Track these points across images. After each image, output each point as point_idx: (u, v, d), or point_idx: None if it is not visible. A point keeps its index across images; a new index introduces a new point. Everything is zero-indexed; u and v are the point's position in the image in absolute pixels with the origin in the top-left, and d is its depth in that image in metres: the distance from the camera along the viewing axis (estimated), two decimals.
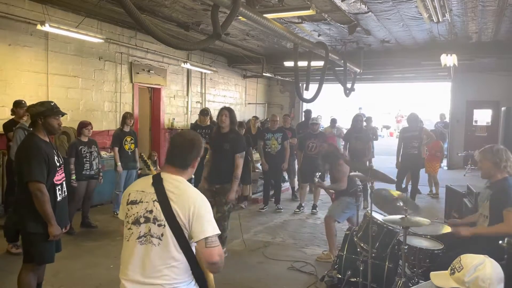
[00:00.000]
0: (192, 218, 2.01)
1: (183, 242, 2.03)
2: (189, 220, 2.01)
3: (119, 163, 6.66)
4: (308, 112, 10.18)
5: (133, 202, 2.14)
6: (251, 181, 8.27)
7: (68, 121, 7.36)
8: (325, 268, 4.58)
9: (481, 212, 3.55)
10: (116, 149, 6.68)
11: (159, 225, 2.04)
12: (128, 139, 6.83)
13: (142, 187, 2.17)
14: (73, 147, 5.94)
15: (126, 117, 6.89)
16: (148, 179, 2.17)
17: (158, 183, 2.11)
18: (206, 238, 1.98)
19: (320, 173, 5.81)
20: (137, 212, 2.11)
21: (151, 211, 2.07)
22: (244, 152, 5.13)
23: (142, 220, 2.08)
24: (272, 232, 6.23)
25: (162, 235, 2.03)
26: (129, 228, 2.12)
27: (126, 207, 2.17)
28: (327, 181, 5.99)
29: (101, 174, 6.26)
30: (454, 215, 5.04)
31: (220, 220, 4.75)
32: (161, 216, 2.03)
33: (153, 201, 2.08)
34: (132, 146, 6.88)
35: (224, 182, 4.88)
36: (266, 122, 11.00)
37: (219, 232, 2.05)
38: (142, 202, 2.12)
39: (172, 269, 2.02)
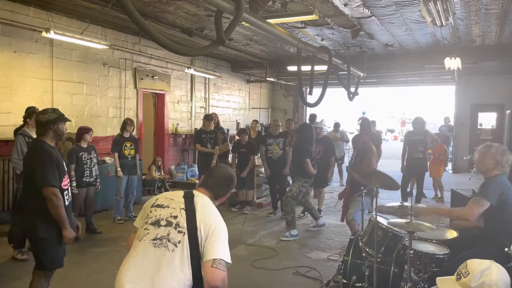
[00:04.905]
0: (210, 234, 2.04)
1: (196, 256, 2.03)
2: (208, 234, 2.04)
3: (119, 169, 6.67)
4: (312, 116, 10.17)
5: (159, 206, 2.20)
6: (253, 186, 8.25)
7: (73, 127, 7.39)
8: (330, 273, 4.57)
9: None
10: (116, 154, 6.69)
11: (179, 232, 2.05)
12: (128, 144, 6.84)
13: (172, 196, 2.24)
14: (74, 153, 5.92)
15: (126, 123, 6.91)
16: (180, 192, 2.25)
17: (189, 196, 2.19)
18: (214, 259, 1.98)
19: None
20: (160, 215, 2.14)
21: (175, 217, 2.11)
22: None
23: (163, 223, 2.11)
24: (276, 237, 6.22)
25: (179, 242, 2.03)
26: (146, 228, 2.13)
27: (149, 209, 2.21)
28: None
29: (98, 180, 6.24)
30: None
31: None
32: (184, 224, 2.06)
33: (180, 208, 2.13)
34: (132, 151, 6.88)
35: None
36: (269, 126, 11.00)
37: (229, 260, 2.04)
38: (168, 207, 2.17)
39: (178, 281, 2.00)
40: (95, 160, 6.16)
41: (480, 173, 3.58)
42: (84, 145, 6.06)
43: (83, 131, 6.09)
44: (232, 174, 2.41)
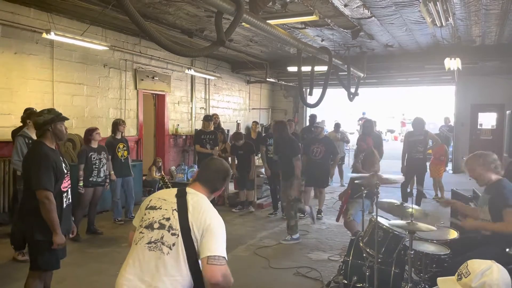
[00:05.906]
0: (205, 232, 2.00)
1: (192, 257, 2.00)
2: (202, 233, 2.00)
3: (112, 172, 6.52)
4: (313, 117, 10.18)
5: (152, 208, 2.17)
6: (254, 186, 8.26)
7: (74, 128, 7.41)
8: (330, 274, 4.57)
9: (482, 218, 3.54)
10: (109, 157, 6.53)
11: (173, 234, 2.03)
12: (121, 146, 6.77)
13: (165, 196, 2.20)
14: (83, 154, 5.95)
15: (118, 123, 6.80)
16: (173, 190, 2.20)
17: (182, 195, 2.14)
18: (209, 256, 1.95)
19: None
20: (153, 217, 2.12)
21: (168, 219, 2.07)
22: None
23: (156, 225, 2.08)
24: (277, 238, 6.22)
25: (173, 244, 2.01)
26: (141, 232, 2.12)
27: (144, 211, 2.19)
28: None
29: (107, 180, 6.26)
30: (460, 219, 5.01)
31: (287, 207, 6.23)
32: (177, 226, 2.03)
33: (173, 209, 2.09)
34: (125, 153, 6.81)
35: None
36: (270, 127, 11.00)
37: (225, 256, 2.01)
38: (161, 208, 2.13)
39: (174, 283, 1.99)
40: (104, 161, 6.15)
41: (483, 185, 3.59)
42: (94, 145, 6.07)
43: (90, 131, 6.09)
44: (227, 167, 2.35)
